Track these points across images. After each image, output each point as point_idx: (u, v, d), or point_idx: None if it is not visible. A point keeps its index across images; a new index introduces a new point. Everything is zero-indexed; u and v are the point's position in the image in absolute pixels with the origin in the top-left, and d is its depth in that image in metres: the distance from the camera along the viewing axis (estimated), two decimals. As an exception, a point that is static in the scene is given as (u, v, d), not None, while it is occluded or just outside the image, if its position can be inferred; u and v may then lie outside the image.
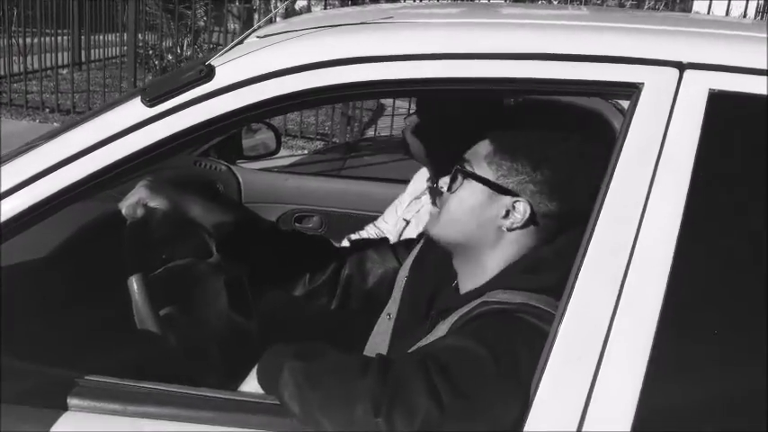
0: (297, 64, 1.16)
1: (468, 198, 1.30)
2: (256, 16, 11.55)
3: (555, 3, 8.22)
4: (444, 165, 2.01)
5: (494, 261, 1.30)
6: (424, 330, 1.34)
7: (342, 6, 9.42)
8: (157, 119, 1.17)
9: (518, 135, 1.30)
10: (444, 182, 1.35)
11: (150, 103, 1.17)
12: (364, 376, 1.10)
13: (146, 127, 1.17)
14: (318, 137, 7.54)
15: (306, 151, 7.15)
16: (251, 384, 1.25)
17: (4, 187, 1.18)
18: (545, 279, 1.24)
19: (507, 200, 1.28)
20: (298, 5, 12.59)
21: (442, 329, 1.27)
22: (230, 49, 1.25)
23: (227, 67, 1.18)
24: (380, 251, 1.68)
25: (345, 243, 2.33)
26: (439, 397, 1.06)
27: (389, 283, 1.62)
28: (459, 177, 1.31)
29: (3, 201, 1.17)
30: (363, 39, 1.21)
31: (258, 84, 1.16)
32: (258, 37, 1.29)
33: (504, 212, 1.28)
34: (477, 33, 1.20)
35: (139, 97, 1.19)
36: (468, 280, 1.34)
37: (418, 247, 1.59)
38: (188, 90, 1.17)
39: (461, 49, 1.14)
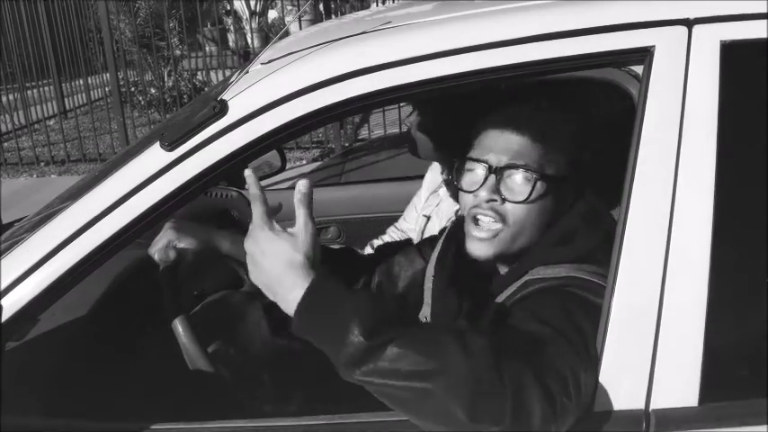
0: (306, 85, 1.16)
1: (544, 200, 1.27)
2: (230, 36, 11.55)
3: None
4: (456, 155, 2.02)
5: (523, 241, 1.30)
6: (462, 323, 1.33)
7: (316, 18, 9.42)
8: (180, 161, 1.17)
9: (555, 128, 1.28)
10: (509, 192, 1.27)
11: (170, 147, 1.17)
12: (452, 351, 1.00)
13: (170, 171, 1.17)
14: (314, 145, 7.54)
15: (304, 161, 7.15)
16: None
17: (37, 258, 1.18)
18: (580, 247, 1.25)
19: (569, 185, 1.29)
20: (270, 18, 12.59)
21: (487, 317, 1.27)
22: (237, 81, 1.25)
23: (239, 99, 1.19)
24: (406, 253, 1.68)
25: (369, 249, 2.33)
26: (553, 398, 1.01)
27: (420, 283, 1.61)
28: (538, 185, 1.26)
29: (39, 269, 1.18)
30: (367, 48, 1.20)
31: (272, 110, 1.17)
32: (262, 63, 1.28)
33: (565, 197, 1.30)
34: (481, 24, 1.19)
35: (158, 143, 1.19)
36: (504, 264, 1.33)
37: (440, 242, 1.58)
38: (205, 128, 1.17)
39: (470, 41, 1.14)
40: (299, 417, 1.26)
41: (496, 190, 1.27)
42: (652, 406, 1.10)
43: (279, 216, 2.80)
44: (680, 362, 1.10)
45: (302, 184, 1.13)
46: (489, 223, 1.28)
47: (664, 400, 1.10)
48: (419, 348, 1.00)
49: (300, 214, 1.12)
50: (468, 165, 1.32)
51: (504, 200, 1.27)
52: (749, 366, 1.14)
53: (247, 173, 1.13)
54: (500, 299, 1.28)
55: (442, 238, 1.58)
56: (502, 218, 1.27)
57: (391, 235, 2.40)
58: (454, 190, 1.94)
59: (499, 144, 1.29)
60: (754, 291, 1.14)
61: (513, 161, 1.26)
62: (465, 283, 1.44)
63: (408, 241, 1.87)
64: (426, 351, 1.00)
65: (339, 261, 1.69)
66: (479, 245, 1.30)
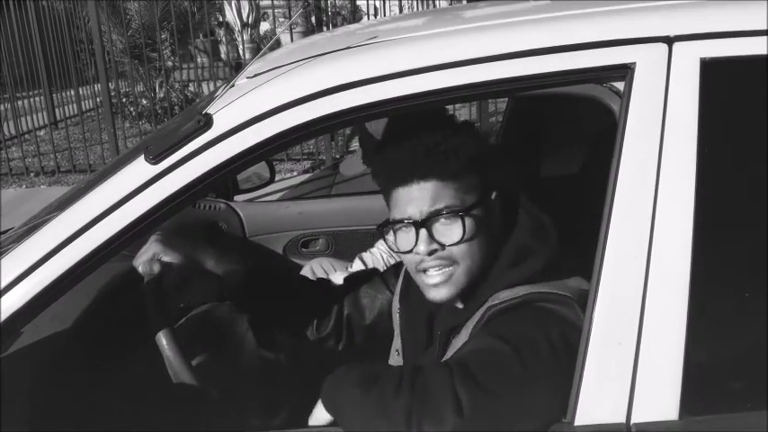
0: (292, 99, 1.17)
1: (481, 227, 1.29)
2: (222, 48, 11.57)
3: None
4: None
5: (479, 269, 1.31)
6: (433, 355, 1.35)
7: (306, 29, 9.44)
8: (164, 174, 1.18)
9: (456, 159, 1.27)
10: (444, 237, 1.28)
11: (154, 160, 1.18)
12: (398, 389, 1.14)
13: (154, 184, 1.18)
14: (305, 157, 7.54)
15: (295, 173, 7.15)
16: (320, 414, 1.28)
17: (20, 270, 1.18)
18: (534, 264, 1.28)
19: (494, 201, 1.32)
20: (262, 30, 12.62)
21: (453, 347, 1.29)
22: (223, 94, 1.25)
23: (225, 113, 1.19)
24: (372, 284, 1.69)
25: (357, 262, 2.34)
26: (460, 403, 1.09)
27: (387, 314, 1.63)
28: (467, 220, 1.27)
29: (22, 281, 1.18)
30: (353, 63, 1.21)
31: (258, 124, 1.17)
32: (248, 78, 1.29)
33: (490, 210, 1.32)
34: (465, 40, 1.20)
35: (142, 156, 1.19)
36: (468, 293, 1.34)
37: (403, 272, 1.58)
38: (190, 141, 1.17)
39: (453, 57, 1.15)
40: (284, 430, 1.26)
41: (432, 240, 1.27)
42: (633, 420, 1.11)
43: (264, 229, 2.80)
44: (661, 376, 1.10)
45: None
46: (439, 268, 1.29)
47: (644, 413, 1.10)
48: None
49: None
50: (395, 227, 1.32)
51: (443, 246, 1.27)
52: (730, 380, 1.15)
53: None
54: (468, 326, 1.30)
55: (402, 271, 1.59)
56: (450, 261, 1.29)
57: (379, 248, 2.40)
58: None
59: (412, 197, 1.28)
60: (736, 304, 1.15)
61: (434, 207, 1.26)
62: (430, 316, 1.46)
63: (374, 271, 1.87)
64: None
65: (315, 294, 1.70)
66: (437, 291, 1.31)
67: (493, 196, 1.33)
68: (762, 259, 1.13)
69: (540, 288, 1.24)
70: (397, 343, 1.57)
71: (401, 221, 1.29)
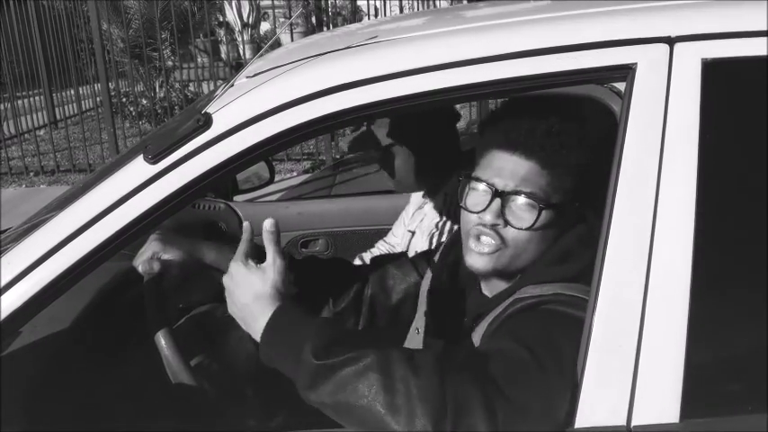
0: (294, 98, 1.17)
1: (547, 228, 1.27)
2: (222, 48, 11.57)
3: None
4: (437, 182, 2.05)
5: (523, 261, 1.30)
6: (456, 340, 1.34)
7: (306, 29, 9.43)
8: (163, 174, 1.17)
9: (564, 156, 1.26)
10: (513, 217, 1.26)
11: (153, 160, 1.17)
12: (424, 387, 1.05)
13: (153, 184, 1.17)
14: (305, 157, 7.54)
15: (295, 173, 7.15)
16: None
17: (19, 270, 1.18)
18: (573, 267, 1.25)
19: (574, 212, 1.29)
20: (262, 30, 12.61)
21: (477, 334, 1.27)
22: (222, 94, 1.25)
23: (224, 112, 1.19)
24: (401, 266, 1.68)
25: (357, 262, 2.33)
26: (496, 417, 1.05)
27: (413, 297, 1.62)
28: (543, 213, 1.25)
29: (20, 281, 1.17)
30: (353, 63, 1.21)
31: (257, 124, 1.17)
32: (248, 77, 1.29)
33: (567, 221, 1.29)
34: (466, 40, 1.20)
35: (141, 156, 1.19)
36: (496, 283, 1.34)
37: (437, 258, 1.58)
38: (189, 141, 1.17)
39: (454, 57, 1.15)
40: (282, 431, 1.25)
41: (501, 214, 1.26)
42: (633, 422, 1.10)
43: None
44: (661, 378, 1.10)
45: (269, 224, 1.23)
46: (490, 242, 1.28)
47: (645, 416, 1.10)
48: (366, 368, 1.07)
49: (270, 251, 1.22)
50: (473, 184, 1.30)
51: (507, 224, 1.26)
52: (730, 383, 1.14)
53: (245, 225, 1.28)
54: (489, 317, 1.29)
55: (438, 254, 1.59)
56: (503, 240, 1.27)
57: (380, 248, 2.40)
58: (441, 204, 1.96)
59: (507, 168, 1.26)
60: (736, 306, 1.15)
61: (520, 188, 1.25)
62: (459, 301, 1.45)
63: (403, 254, 1.88)
64: (373, 370, 1.07)
65: (330, 271, 1.69)
66: (479, 258, 1.30)
67: (576, 206, 1.29)
68: (763, 261, 1.12)
69: (567, 290, 1.22)
70: (419, 322, 1.55)
71: (484, 182, 1.28)
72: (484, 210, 1.27)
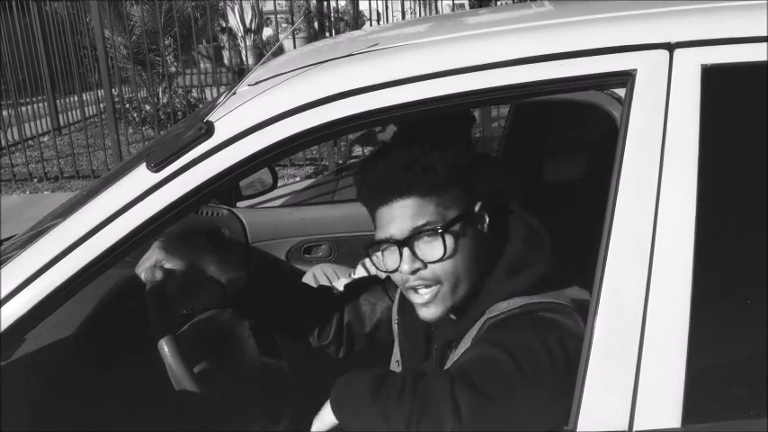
0: (295, 106, 1.17)
1: (464, 242, 1.28)
2: (225, 53, 11.60)
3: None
4: None
5: (468, 284, 1.30)
6: (431, 366, 1.35)
7: (308, 34, 9.45)
8: (166, 182, 1.18)
9: (423, 178, 1.25)
10: (426, 255, 1.27)
11: (156, 168, 1.18)
12: (401, 395, 1.16)
13: (155, 192, 1.18)
14: (307, 162, 7.56)
15: (298, 179, 7.16)
16: (326, 416, 1.28)
17: (23, 277, 1.18)
18: (532, 274, 1.27)
19: (479, 213, 1.30)
20: (265, 36, 12.64)
21: (457, 356, 1.29)
22: (224, 102, 1.26)
23: (226, 120, 1.19)
24: (373, 291, 1.68)
25: (360, 269, 2.34)
26: (459, 408, 1.11)
27: (387, 321, 1.63)
28: (447, 237, 1.25)
29: (26, 288, 1.18)
30: (354, 70, 1.22)
31: (259, 131, 1.18)
32: (249, 85, 1.29)
33: (479, 222, 1.31)
34: (467, 46, 1.21)
35: (144, 164, 1.20)
36: (461, 307, 1.33)
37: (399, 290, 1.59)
38: (191, 149, 1.18)
39: (454, 64, 1.15)
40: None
41: (415, 258, 1.26)
42: (635, 427, 1.10)
43: (266, 235, 2.81)
44: (663, 383, 1.10)
45: None
46: (425, 288, 1.29)
47: (647, 421, 1.10)
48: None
49: None
50: (380, 248, 1.31)
51: (425, 264, 1.27)
52: (731, 387, 1.15)
53: None
54: (466, 339, 1.30)
55: None
56: (434, 279, 1.28)
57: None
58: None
59: (393, 215, 1.27)
60: (737, 311, 1.15)
61: (414, 225, 1.26)
62: (428, 329, 1.46)
63: (375, 278, 1.88)
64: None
65: (316, 302, 1.70)
66: (426, 310, 1.31)
67: (477, 208, 1.31)
68: (763, 266, 1.12)
69: (538, 298, 1.24)
70: (396, 354, 1.58)
71: (385, 241, 1.28)
72: (399, 264, 1.27)
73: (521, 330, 1.20)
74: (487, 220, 1.32)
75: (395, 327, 1.58)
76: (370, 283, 1.74)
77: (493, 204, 1.33)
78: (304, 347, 1.66)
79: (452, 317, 1.36)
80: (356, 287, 1.74)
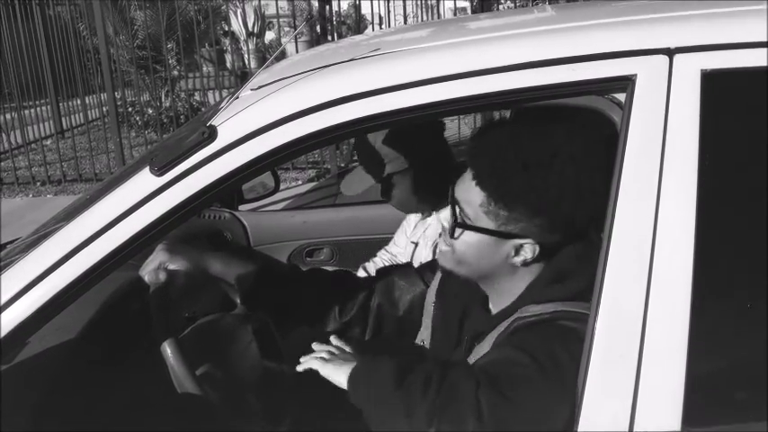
0: (297, 110, 1.18)
1: (473, 243, 1.29)
2: (227, 57, 11.63)
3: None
4: (436, 201, 2.08)
5: (517, 284, 1.32)
6: (460, 354, 1.35)
7: (311, 38, 9.46)
8: (169, 186, 1.19)
9: (510, 182, 1.23)
10: (446, 219, 1.32)
11: (159, 172, 1.19)
12: (425, 390, 1.18)
13: (158, 196, 1.19)
14: (310, 165, 7.57)
15: (300, 182, 7.17)
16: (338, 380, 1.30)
17: (27, 280, 1.19)
18: (573, 286, 1.26)
19: (513, 243, 1.28)
20: (267, 39, 12.66)
21: (482, 351, 1.29)
22: (227, 106, 1.27)
23: (229, 125, 1.20)
24: (407, 276, 1.68)
25: (361, 272, 2.34)
26: (481, 410, 1.12)
27: (420, 307, 1.62)
28: (463, 230, 1.28)
29: (30, 291, 1.19)
30: (357, 74, 1.22)
31: (262, 135, 1.18)
32: (252, 90, 1.30)
33: (513, 252, 1.28)
34: (467, 51, 1.21)
35: (147, 168, 1.21)
36: (497, 301, 1.36)
37: (440, 272, 1.59)
38: (194, 153, 1.19)
39: (455, 69, 1.16)
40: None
41: (450, 219, 1.31)
42: (636, 429, 1.11)
43: (268, 239, 2.81)
44: (662, 387, 1.10)
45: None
46: (443, 241, 1.36)
47: (647, 423, 1.10)
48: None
49: None
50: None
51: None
52: (731, 391, 1.15)
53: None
54: (492, 336, 1.30)
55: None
56: (448, 243, 1.33)
57: (381, 257, 2.41)
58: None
59: (470, 183, 1.29)
60: (737, 314, 1.16)
61: (458, 202, 1.30)
62: (462, 314, 1.47)
63: (409, 264, 1.89)
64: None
65: (335, 282, 1.70)
66: (440, 254, 1.37)
67: (528, 247, 1.27)
68: (763, 270, 1.13)
69: (569, 306, 1.24)
70: (424, 334, 1.57)
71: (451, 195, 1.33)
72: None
73: (546, 337, 1.20)
74: (530, 256, 1.28)
75: (430, 308, 1.57)
76: (405, 268, 1.75)
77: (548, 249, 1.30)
78: (322, 331, 1.66)
79: (488, 309, 1.38)
80: (389, 270, 1.74)
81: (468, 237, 1.29)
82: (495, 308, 1.36)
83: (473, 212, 1.28)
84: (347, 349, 1.39)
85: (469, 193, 1.28)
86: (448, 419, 1.14)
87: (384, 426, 1.22)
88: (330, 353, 1.36)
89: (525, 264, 1.29)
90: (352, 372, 1.27)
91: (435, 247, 2.05)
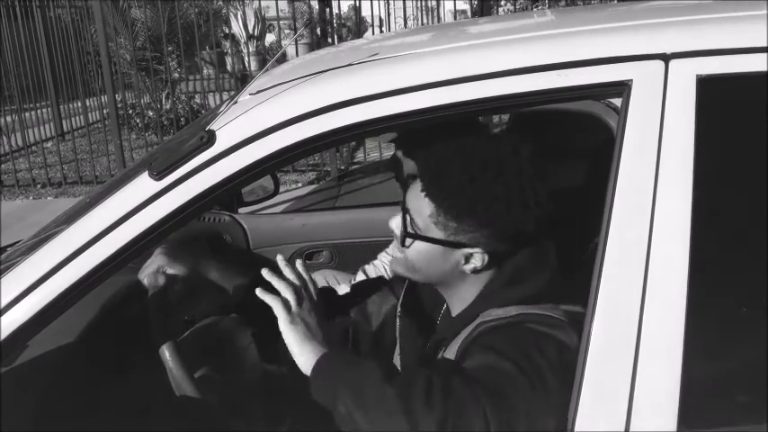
0: (295, 115, 1.19)
1: (423, 252, 1.30)
2: (228, 60, 11.64)
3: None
4: None
5: (471, 288, 1.33)
6: (425, 362, 1.36)
7: (311, 40, 9.48)
8: (167, 191, 1.19)
9: (457, 195, 1.24)
10: (397, 227, 1.33)
11: (158, 176, 1.20)
12: (429, 399, 1.13)
13: (157, 200, 1.19)
14: (310, 168, 7.57)
15: (300, 184, 7.18)
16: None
17: (27, 284, 1.20)
18: (530, 287, 1.27)
19: (462, 252, 1.29)
20: (268, 42, 12.68)
21: (448, 357, 1.30)
22: (226, 111, 1.27)
23: (227, 129, 1.21)
24: (379, 291, 1.70)
25: (360, 275, 2.35)
26: (488, 419, 1.11)
27: (392, 320, 1.64)
28: (409, 239, 1.30)
29: (30, 294, 1.20)
30: (354, 80, 1.23)
31: (260, 140, 1.19)
32: (251, 94, 1.31)
33: (462, 260, 1.30)
34: (465, 57, 1.22)
35: (146, 172, 1.21)
36: (456, 306, 1.36)
37: (405, 283, 1.60)
38: (192, 158, 1.19)
39: (452, 74, 1.17)
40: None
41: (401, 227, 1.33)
42: (631, 430, 1.11)
43: (268, 242, 2.81)
44: (658, 389, 1.11)
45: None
46: (396, 247, 1.37)
47: (643, 424, 1.11)
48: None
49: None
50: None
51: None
52: (727, 394, 1.16)
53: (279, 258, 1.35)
54: (456, 341, 1.31)
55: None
56: (399, 249, 1.35)
57: (381, 260, 2.41)
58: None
59: (418, 192, 1.30)
60: (733, 317, 1.16)
61: (407, 209, 1.32)
62: (427, 322, 1.48)
63: (381, 278, 1.89)
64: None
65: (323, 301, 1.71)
66: (393, 261, 1.39)
67: (477, 256, 1.28)
68: (759, 274, 1.14)
69: (532, 309, 1.25)
70: (397, 348, 1.59)
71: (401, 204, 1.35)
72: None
73: (517, 341, 1.20)
74: (480, 264, 1.29)
75: (397, 321, 1.59)
76: (376, 283, 1.76)
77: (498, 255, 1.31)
78: None
79: (452, 313, 1.38)
80: (363, 287, 1.76)
81: (419, 245, 1.30)
82: (454, 313, 1.37)
83: (423, 222, 1.29)
84: (310, 313, 1.29)
85: (419, 202, 1.29)
86: (461, 427, 1.12)
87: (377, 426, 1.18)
88: (295, 315, 1.27)
89: (476, 271, 1.30)
90: (318, 362, 1.21)
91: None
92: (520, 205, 1.23)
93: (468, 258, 1.29)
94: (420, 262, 1.32)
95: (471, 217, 1.24)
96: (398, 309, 1.59)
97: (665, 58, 1.14)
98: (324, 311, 1.33)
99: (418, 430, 1.12)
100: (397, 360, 1.58)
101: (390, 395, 1.14)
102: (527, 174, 1.24)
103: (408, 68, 1.22)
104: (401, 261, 1.35)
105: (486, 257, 1.28)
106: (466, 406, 1.12)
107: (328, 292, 1.80)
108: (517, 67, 1.16)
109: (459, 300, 1.36)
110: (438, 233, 1.28)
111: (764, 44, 1.12)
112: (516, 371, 1.15)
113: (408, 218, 1.31)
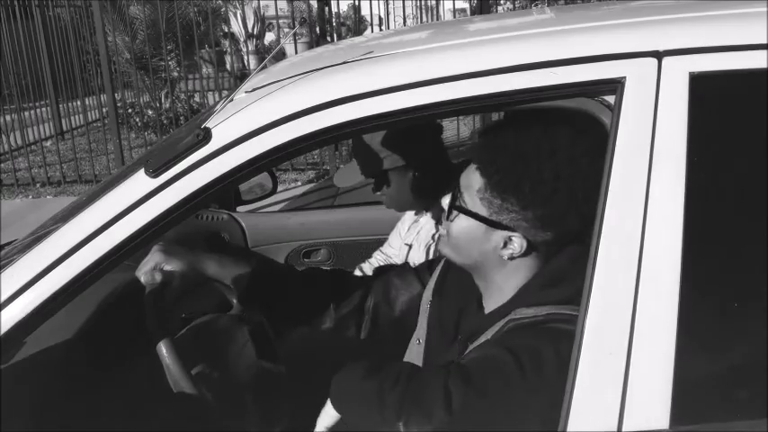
0: (290, 112, 1.19)
1: (465, 228, 1.32)
2: (227, 59, 11.63)
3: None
4: (428, 202, 2.09)
5: (509, 282, 1.34)
6: (454, 353, 1.36)
7: (310, 39, 9.47)
8: (163, 188, 1.20)
9: (506, 171, 1.26)
10: (446, 204, 1.37)
11: (154, 173, 1.20)
12: (395, 383, 1.24)
13: (153, 197, 1.20)
14: (309, 166, 7.58)
15: (299, 183, 7.18)
16: (328, 413, 1.36)
17: (23, 281, 1.21)
18: (567, 289, 1.27)
19: (502, 234, 1.29)
20: (267, 41, 12.67)
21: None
22: (222, 109, 1.28)
23: (223, 127, 1.22)
24: (404, 276, 1.70)
25: (357, 273, 2.35)
26: (450, 400, 1.15)
27: (416, 307, 1.63)
28: (458, 214, 1.33)
29: (22, 294, 1.20)
30: (349, 77, 1.24)
31: (256, 137, 1.20)
32: (246, 92, 1.32)
33: (501, 244, 1.30)
34: (458, 55, 1.23)
35: (143, 169, 1.22)
36: (491, 299, 1.37)
37: (439, 269, 1.61)
38: (188, 155, 1.20)
39: (445, 72, 1.18)
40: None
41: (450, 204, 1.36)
42: (624, 429, 1.12)
43: (266, 240, 2.82)
44: (651, 385, 1.12)
45: None
46: (443, 227, 1.40)
47: (636, 422, 1.12)
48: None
49: None
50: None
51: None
52: (719, 389, 1.16)
53: None
54: (486, 335, 1.32)
55: (441, 264, 1.61)
56: (445, 227, 1.38)
57: (377, 258, 2.42)
58: (437, 215, 2.01)
59: (465, 173, 1.35)
60: (725, 313, 1.17)
61: (461, 185, 1.34)
62: (457, 314, 1.48)
63: (406, 264, 1.90)
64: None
65: (332, 280, 1.72)
66: (440, 239, 1.43)
67: (516, 240, 1.29)
68: (751, 270, 1.14)
69: (563, 309, 1.25)
70: (420, 333, 1.58)
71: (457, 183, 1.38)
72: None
73: (535, 337, 1.22)
74: (518, 251, 1.30)
75: (426, 307, 1.58)
76: (401, 268, 1.76)
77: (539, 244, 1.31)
78: (318, 329, 1.68)
79: (483, 309, 1.39)
80: (386, 270, 1.76)
81: (462, 221, 1.32)
82: (488, 307, 1.37)
83: (470, 198, 1.31)
84: None
85: (470, 178, 1.32)
86: (416, 410, 1.17)
87: (361, 420, 1.28)
88: None
89: (512, 258, 1.31)
90: (331, 385, 1.34)
91: (428, 249, 2.06)
92: (565, 195, 1.24)
93: (506, 243, 1.30)
94: (461, 239, 1.33)
95: (516, 196, 1.25)
96: (429, 297, 1.59)
97: (658, 55, 1.15)
98: None
99: (383, 411, 1.19)
100: (413, 348, 1.58)
101: (360, 389, 1.26)
102: (578, 167, 1.24)
103: (403, 66, 1.23)
104: (445, 240, 1.38)
105: (525, 244, 1.29)
106: (428, 388, 1.18)
107: (343, 273, 1.80)
108: (510, 64, 1.17)
109: (494, 292, 1.36)
110: (482, 210, 1.29)
111: (757, 41, 1.12)
112: (511, 361, 1.16)
113: (458, 193, 1.33)
